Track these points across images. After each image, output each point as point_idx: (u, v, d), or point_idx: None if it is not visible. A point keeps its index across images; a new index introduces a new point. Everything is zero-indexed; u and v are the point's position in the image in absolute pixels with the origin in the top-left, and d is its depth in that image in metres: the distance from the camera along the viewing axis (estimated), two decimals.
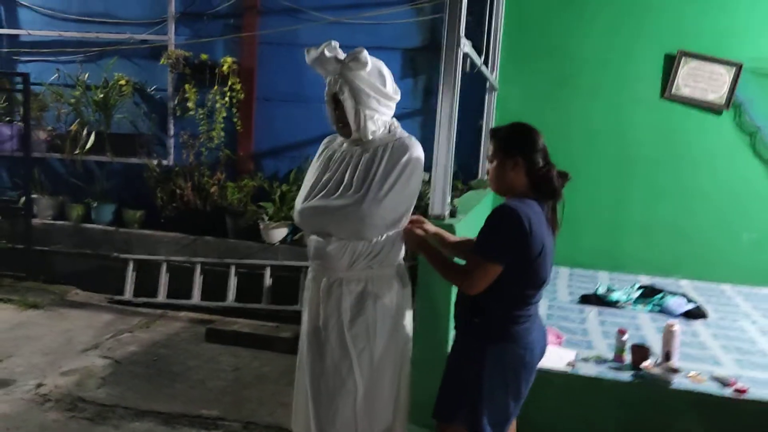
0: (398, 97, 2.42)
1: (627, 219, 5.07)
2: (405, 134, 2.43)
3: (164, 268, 5.41)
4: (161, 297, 5.36)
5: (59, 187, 6.00)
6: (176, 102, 5.82)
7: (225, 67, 5.55)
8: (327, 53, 2.31)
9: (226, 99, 5.61)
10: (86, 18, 5.97)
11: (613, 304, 4.06)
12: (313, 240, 2.48)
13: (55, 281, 5.65)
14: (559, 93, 4.99)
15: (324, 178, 2.44)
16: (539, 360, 2.33)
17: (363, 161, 2.37)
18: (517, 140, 2.23)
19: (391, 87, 2.39)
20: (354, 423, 2.41)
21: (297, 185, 5.53)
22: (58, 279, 5.67)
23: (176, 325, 4.94)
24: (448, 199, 2.98)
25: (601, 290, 4.21)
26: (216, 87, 5.61)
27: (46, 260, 5.70)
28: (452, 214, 3.04)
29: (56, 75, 5.95)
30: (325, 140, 2.60)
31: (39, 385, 3.73)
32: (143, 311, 5.20)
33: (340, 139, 2.50)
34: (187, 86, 5.66)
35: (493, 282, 2.14)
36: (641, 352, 3.01)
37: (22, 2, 6.12)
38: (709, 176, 4.94)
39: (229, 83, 5.58)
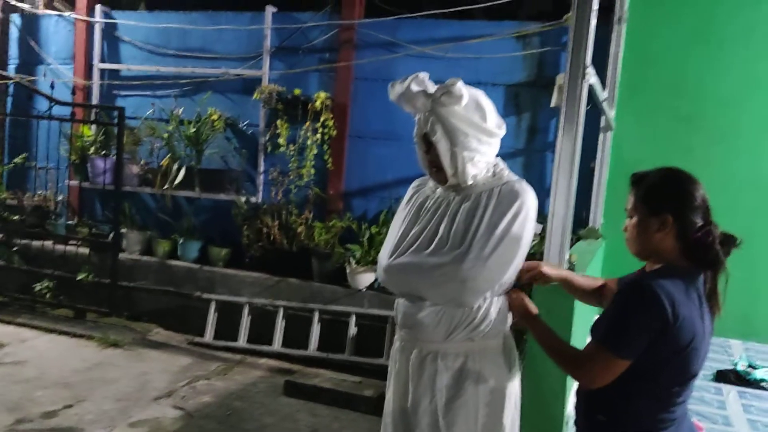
0: (503, 132, 1.99)
1: (766, 278, 4.35)
2: (513, 177, 2.00)
3: (246, 310, 5.16)
4: (241, 341, 5.09)
5: (148, 222, 5.95)
6: (267, 138, 5.65)
7: (318, 103, 5.33)
8: (414, 87, 1.93)
9: (318, 135, 5.38)
10: (184, 53, 5.95)
11: (757, 384, 3.38)
12: (401, 303, 2.07)
13: (138, 318, 5.54)
14: (685, 135, 4.38)
15: (415, 230, 2.04)
16: None
17: (462, 210, 1.96)
18: (667, 193, 1.72)
19: (494, 121, 1.97)
20: None
21: (387, 227, 5.17)
22: (142, 316, 5.56)
23: (254, 373, 4.64)
24: (567, 255, 2.50)
25: (741, 365, 3.54)
26: (308, 123, 5.39)
27: (130, 296, 5.60)
28: (572, 269, 2.55)
29: (152, 110, 5.93)
30: (415, 183, 2.21)
31: None
32: (222, 356, 4.95)
33: (432, 182, 2.10)
34: (279, 122, 5.48)
35: (626, 372, 1.65)
36: None
37: (124, 38, 6.20)
38: None
39: (322, 119, 5.35)
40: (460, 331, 1.95)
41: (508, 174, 2.00)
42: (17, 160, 6.04)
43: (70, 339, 5.04)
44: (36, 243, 5.91)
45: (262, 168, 5.74)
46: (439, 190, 2.06)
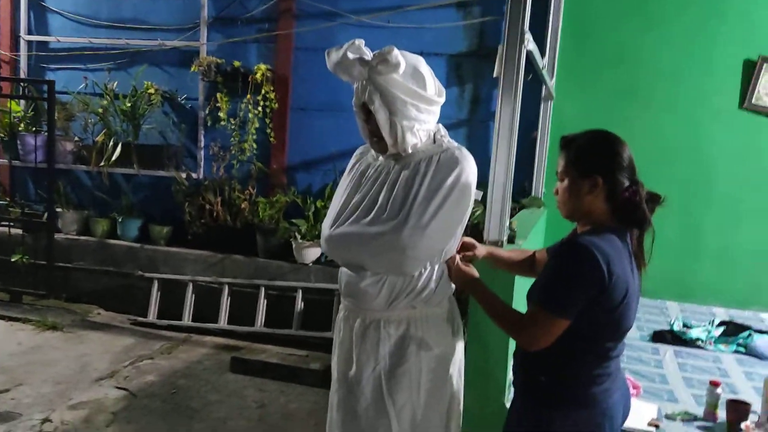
0: (443, 99, 1.98)
1: (702, 243, 4.51)
2: (454, 144, 1.99)
3: (190, 288, 5.06)
4: (186, 320, 5.00)
5: (84, 201, 5.73)
6: (207, 111, 5.48)
7: (258, 75, 5.20)
8: (350, 55, 1.88)
9: (259, 108, 5.25)
10: (117, 24, 5.70)
11: (692, 343, 3.51)
12: (344, 273, 2.06)
13: (77, 300, 5.36)
14: (624, 104, 4.48)
15: (355, 199, 2.02)
16: (622, 426, 1.84)
17: (402, 179, 1.94)
18: (597, 155, 1.75)
19: (433, 88, 1.95)
20: None
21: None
22: (81, 297, 5.38)
23: (200, 351, 4.56)
24: (507, 222, 2.52)
25: (677, 326, 3.67)
26: (249, 96, 5.25)
27: (68, 277, 5.41)
28: (511, 240, 2.58)
29: (84, 84, 5.68)
30: (357, 152, 2.18)
31: (45, 421, 3.39)
32: (166, 335, 4.85)
33: (373, 150, 2.07)
34: (218, 95, 5.32)
35: (563, 332, 1.68)
36: (739, 409, 2.47)
37: (52, 8, 5.89)
38: None
39: (263, 92, 5.23)
40: (402, 299, 1.94)
41: (448, 141, 1.99)
42: None
43: (5, 323, 4.85)
44: None
45: (202, 143, 5.58)
46: (381, 158, 2.03)
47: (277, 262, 5.05)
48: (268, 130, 5.32)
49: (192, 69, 5.39)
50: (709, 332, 3.61)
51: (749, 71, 4.37)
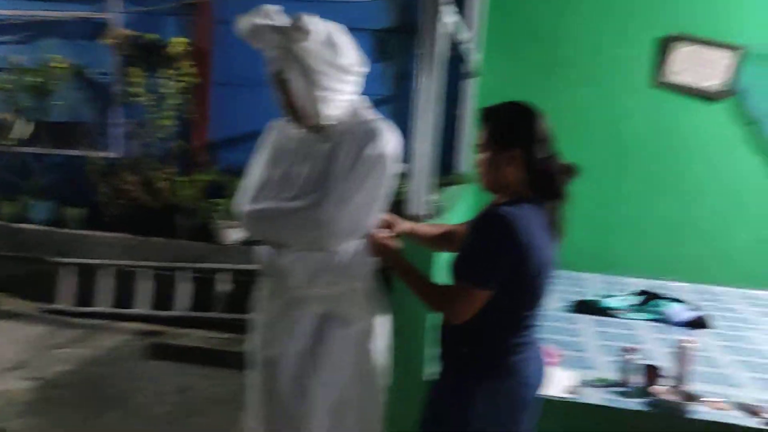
0: (362, 69, 1.92)
1: (619, 216, 4.66)
2: (375, 116, 1.94)
3: (107, 273, 4.84)
4: (103, 306, 4.78)
5: None
6: (122, 87, 5.22)
7: (175, 48, 4.98)
8: (261, 22, 1.80)
9: (178, 84, 5.04)
10: None
11: (609, 312, 3.63)
12: (263, 250, 1.99)
13: None
14: (545, 79, 4.55)
15: (274, 173, 1.95)
16: (537, 394, 1.87)
17: (322, 152, 1.89)
18: (515, 128, 1.74)
19: (352, 57, 1.89)
20: None
21: None
22: None
23: (119, 338, 4.38)
24: (430, 197, 2.50)
25: (595, 297, 3.78)
26: (166, 70, 5.04)
27: None
28: (434, 215, 2.57)
29: None
30: (275, 124, 2.10)
31: None
32: (82, 322, 4.63)
33: (290, 123, 2.00)
34: (133, 69, 5.08)
35: (483, 305, 1.68)
36: (652, 374, 2.58)
37: None
38: (706, 170, 4.54)
39: (181, 66, 5.02)
40: (323, 276, 1.89)
41: (369, 113, 1.94)
42: None
43: None
44: None
45: (118, 120, 5.33)
46: (298, 131, 1.96)
47: (199, 243, 4.90)
48: (188, 106, 5.13)
49: (104, 42, 5.11)
50: (625, 301, 3.75)
51: (662, 48, 4.52)
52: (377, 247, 1.94)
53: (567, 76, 4.57)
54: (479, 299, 1.67)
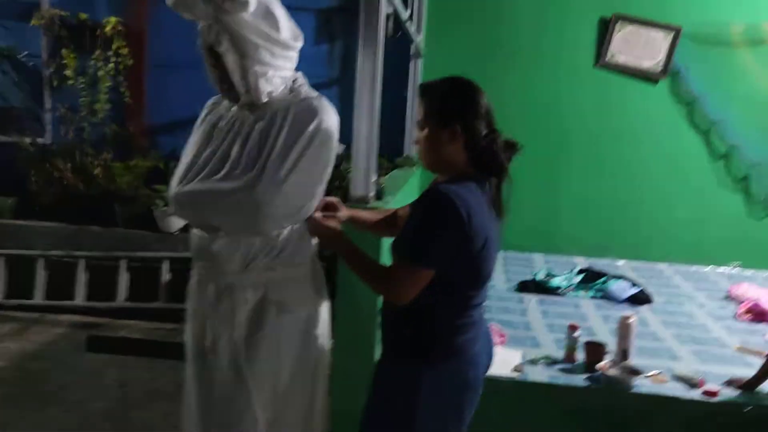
0: (299, 44, 1.84)
1: (563, 197, 4.72)
2: (313, 94, 1.87)
3: (41, 264, 4.62)
4: (38, 298, 4.57)
5: None
6: (52, 70, 4.97)
7: (108, 29, 4.77)
8: None
9: (111, 66, 4.83)
10: None
11: (554, 291, 3.67)
12: (195, 235, 1.90)
13: None
14: (488, 60, 4.54)
15: (206, 153, 1.85)
16: (485, 374, 1.85)
17: (257, 130, 1.80)
18: (455, 104, 1.70)
19: (288, 31, 1.80)
20: None
21: None
22: None
23: (54, 331, 4.20)
24: (373, 178, 2.45)
25: (540, 276, 3.81)
26: (98, 52, 4.81)
27: None
28: (378, 196, 2.52)
29: None
30: (209, 102, 2.00)
31: None
32: (15, 315, 4.42)
33: (227, 101, 1.91)
34: (64, 51, 4.85)
35: (426, 285, 1.64)
36: (596, 350, 2.60)
37: None
38: (646, 149, 4.64)
39: (114, 47, 4.81)
40: (259, 261, 1.82)
41: (306, 90, 1.86)
42: None
43: None
44: None
45: (48, 104, 5.08)
46: (234, 109, 1.87)
47: (139, 231, 4.73)
48: (123, 89, 4.92)
49: (32, 23, 4.85)
50: (570, 280, 3.80)
51: (603, 29, 4.56)
52: (317, 227, 1.88)
53: (510, 57, 4.58)
54: (422, 278, 1.63)
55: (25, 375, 3.54)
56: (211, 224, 1.81)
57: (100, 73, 4.83)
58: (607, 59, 4.60)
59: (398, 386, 1.74)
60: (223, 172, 1.79)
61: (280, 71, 1.80)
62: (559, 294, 3.66)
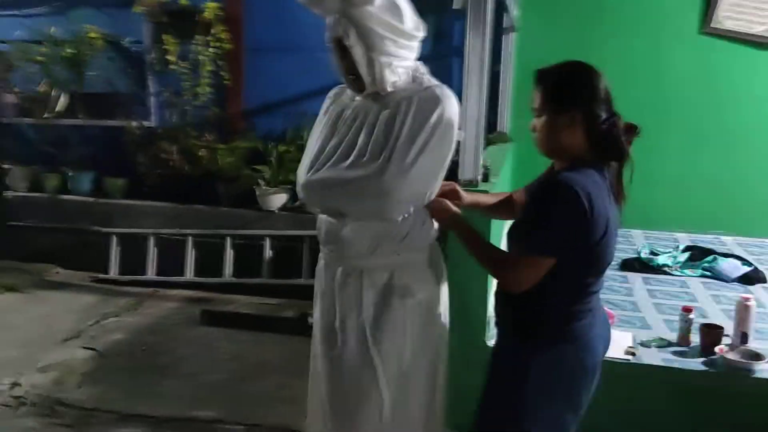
0: (422, 34, 1.87)
1: (663, 171, 4.53)
2: (434, 82, 1.89)
3: (152, 241, 4.91)
4: (150, 274, 4.87)
5: (32, 156, 5.41)
6: (155, 55, 5.20)
7: (208, 13, 4.92)
8: None
9: (211, 50, 5.00)
10: None
11: (659, 270, 3.58)
12: (323, 220, 1.98)
13: (32, 259, 5.14)
14: (588, 30, 4.40)
15: (333, 142, 1.91)
16: (602, 359, 1.85)
17: (382, 119, 1.84)
18: (574, 89, 1.68)
19: (411, 22, 1.83)
20: None
21: (296, 145, 4.98)
22: (36, 257, 5.16)
23: (167, 305, 4.47)
24: (481, 161, 2.46)
25: (644, 253, 3.73)
26: (199, 37, 4.99)
27: (21, 236, 5.18)
28: (485, 178, 2.53)
29: (21, 31, 5.29)
30: (332, 93, 2.06)
31: (14, 385, 3.28)
32: (130, 291, 4.72)
33: (350, 91, 1.96)
34: (166, 37, 5.04)
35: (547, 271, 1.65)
36: (713, 333, 2.54)
37: None
38: (754, 121, 4.40)
39: (214, 32, 4.97)
40: (384, 246, 1.87)
41: (428, 79, 1.89)
42: None
43: None
44: None
45: (152, 89, 5.32)
46: (358, 99, 1.92)
47: (241, 210, 4.93)
48: (223, 73, 5.09)
49: (135, 9, 5.07)
50: (675, 258, 3.69)
51: None
52: (439, 214, 1.92)
53: (610, 25, 4.42)
54: (542, 267, 1.64)
55: (145, 347, 3.79)
56: (340, 210, 1.88)
57: (201, 57, 5.00)
58: (712, 25, 4.38)
59: (513, 367, 1.77)
60: (350, 160, 1.85)
61: (403, 61, 1.84)
62: (664, 272, 3.57)
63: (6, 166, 5.23)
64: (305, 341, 3.74)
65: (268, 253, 4.78)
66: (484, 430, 1.83)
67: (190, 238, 4.87)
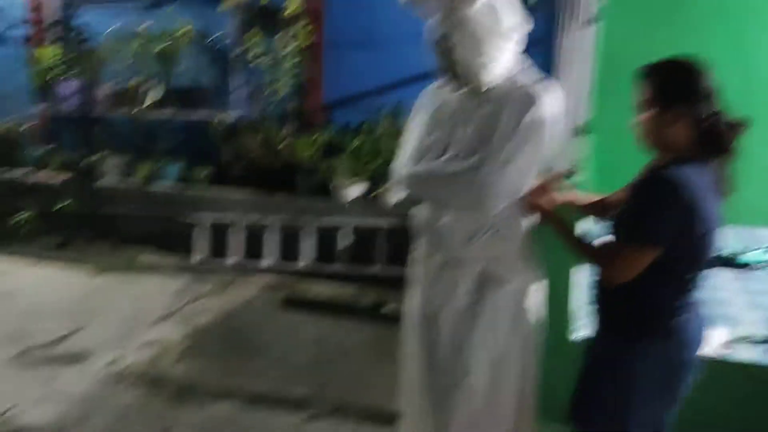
0: (524, 30, 1.93)
1: (747, 163, 4.41)
2: (533, 79, 1.95)
3: (235, 228, 5.13)
4: (233, 259, 5.09)
5: (123, 146, 5.70)
6: (239, 51, 5.40)
7: (291, 10, 5.08)
8: None
9: (293, 45, 5.16)
10: None
11: (746, 266, 3.51)
12: (421, 211, 2.07)
13: (124, 243, 5.46)
14: (673, 19, 4.30)
15: (432, 137, 2.00)
16: (699, 355, 1.87)
17: (481, 115, 1.92)
18: (680, 85, 1.71)
19: (513, 19, 1.90)
20: (473, 425, 2.04)
21: (371, 138, 5.09)
22: (127, 241, 5.47)
23: (250, 289, 4.66)
24: (572, 154, 2.49)
25: (728, 252, 3.65)
26: (282, 32, 5.15)
27: (113, 222, 5.49)
28: (574, 170, 2.56)
29: (115, 26, 5.58)
30: (429, 89, 2.15)
31: (114, 361, 3.51)
32: (215, 275, 4.94)
33: (448, 87, 2.04)
34: (251, 33, 5.23)
35: (647, 266, 1.69)
36: None
37: None
38: None
39: (296, 28, 5.12)
40: (480, 237, 1.95)
41: (529, 76, 1.95)
42: None
43: (58, 268, 4.98)
44: (7, 174, 5.71)
45: (236, 83, 5.53)
46: (456, 95, 2.00)
47: (318, 200, 5.08)
48: (303, 68, 5.24)
49: (221, 7, 5.27)
50: (763, 256, 3.60)
51: None
52: (534, 209, 1.97)
53: (694, 13, 4.30)
54: (644, 258, 1.68)
55: (233, 329, 3.98)
56: (439, 202, 1.96)
57: (284, 52, 5.16)
58: None
59: (613, 361, 1.81)
60: (449, 154, 1.93)
61: (502, 60, 1.90)
62: (752, 269, 3.49)
63: (99, 156, 5.51)
64: (382, 328, 3.90)
65: (344, 241, 4.91)
66: (583, 420, 1.88)
67: (270, 226, 5.06)
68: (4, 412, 2.99)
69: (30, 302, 4.28)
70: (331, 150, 5.16)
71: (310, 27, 5.15)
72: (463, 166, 1.89)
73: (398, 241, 4.82)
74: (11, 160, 5.72)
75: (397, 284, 4.62)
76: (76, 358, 3.53)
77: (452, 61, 1.88)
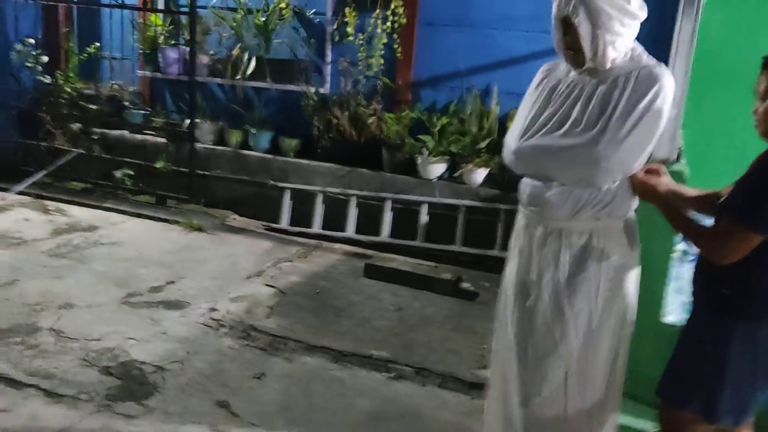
0: (644, 14, 2.00)
1: None
2: (652, 61, 2.02)
3: (319, 198, 5.34)
4: (316, 227, 5.31)
5: (219, 113, 6.01)
6: (335, 26, 5.59)
7: None
8: None
9: (388, 24, 5.30)
10: None
11: None
12: (528, 184, 2.18)
13: (215, 205, 5.77)
14: None
15: (547, 113, 2.10)
16: None
17: (599, 93, 2.00)
18: None
19: (637, 2, 1.97)
20: (564, 391, 2.15)
21: (457, 118, 5.20)
22: (218, 203, 5.78)
23: (332, 257, 4.88)
24: (678, 140, 2.55)
25: None
26: (378, 11, 5.30)
27: (206, 184, 5.80)
28: (678, 158, 2.61)
29: None
30: (544, 68, 2.24)
31: (212, 310, 3.77)
32: (299, 240, 5.18)
33: (564, 66, 2.13)
34: (347, 10, 5.40)
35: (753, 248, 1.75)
36: None
37: None
38: None
39: (392, 6, 5.25)
40: (586, 211, 2.04)
41: (647, 58, 2.02)
42: (90, 49, 6.09)
43: (156, 223, 5.32)
44: (113, 132, 6.09)
45: (330, 58, 5.72)
46: (572, 73, 2.09)
47: (402, 176, 5.23)
48: (396, 46, 5.38)
49: None
50: None
51: None
52: (642, 187, 2.05)
53: None
54: (750, 242, 1.74)
55: (318, 290, 4.19)
56: (549, 175, 2.07)
57: (378, 30, 5.31)
58: None
59: (711, 340, 1.88)
60: (564, 129, 2.03)
61: (625, 40, 1.98)
62: None
63: (197, 121, 5.82)
64: (460, 303, 4.01)
65: (423, 218, 5.05)
66: (676, 397, 1.96)
67: (353, 198, 5.24)
68: (118, 347, 3.28)
69: (133, 252, 4.61)
70: (418, 128, 5.30)
71: (405, 6, 5.28)
72: (579, 141, 1.98)
73: (477, 222, 4.94)
74: (117, 121, 6.10)
75: (474, 264, 4.77)
76: (177, 305, 3.81)
77: (576, 38, 1.96)
